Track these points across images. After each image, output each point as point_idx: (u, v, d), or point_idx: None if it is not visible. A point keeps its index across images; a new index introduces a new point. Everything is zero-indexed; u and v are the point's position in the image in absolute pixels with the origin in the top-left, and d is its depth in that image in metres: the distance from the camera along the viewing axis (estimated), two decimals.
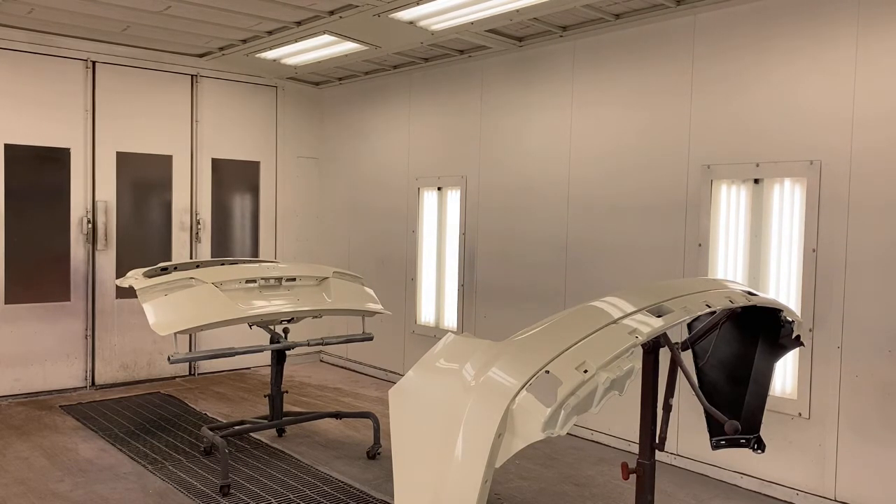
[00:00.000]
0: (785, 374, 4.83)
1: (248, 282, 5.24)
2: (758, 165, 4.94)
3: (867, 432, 4.46)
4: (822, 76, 4.66)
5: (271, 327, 5.53)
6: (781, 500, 4.81)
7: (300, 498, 4.70)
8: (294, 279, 5.46)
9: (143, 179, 7.78)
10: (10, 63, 6.86)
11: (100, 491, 4.76)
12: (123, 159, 7.49)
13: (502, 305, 6.72)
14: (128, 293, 6.47)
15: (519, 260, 6.57)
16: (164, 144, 7.77)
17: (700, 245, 5.25)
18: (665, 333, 2.84)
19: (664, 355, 3.05)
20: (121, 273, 6.79)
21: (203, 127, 8.01)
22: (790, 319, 3.28)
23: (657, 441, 3.08)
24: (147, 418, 6.39)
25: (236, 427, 5.57)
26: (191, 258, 7.83)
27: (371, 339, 5.80)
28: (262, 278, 5.31)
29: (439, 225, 7.46)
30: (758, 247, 5.00)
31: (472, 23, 5.76)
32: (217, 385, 7.68)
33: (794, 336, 3.29)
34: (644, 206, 5.61)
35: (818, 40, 4.68)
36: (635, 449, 3.36)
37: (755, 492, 4.94)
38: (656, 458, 3.14)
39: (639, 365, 2.97)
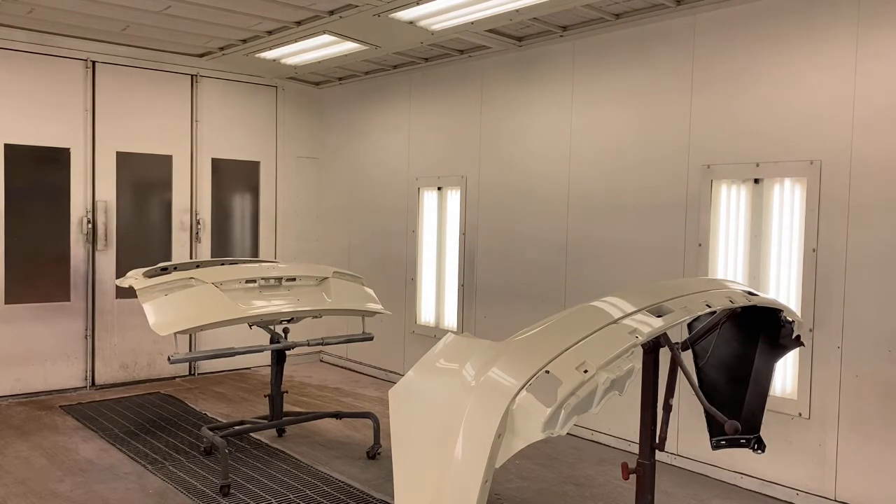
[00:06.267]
0: (785, 374, 4.83)
1: (248, 282, 5.24)
2: (758, 165, 4.93)
3: (867, 432, 4.46)
4: (822, 76, 4.65)
5: (271, 327, 5.52)
6: (781, 500, 4.81)
7: (300, 498, 4.70)
8: (294, 279, 5.46)
9: (143, 179, 7.78)
10: (10, 63, 6.86)
11: (100, 491, 4.76)
12: (123, 159, 7.49)
13: (502, 305, 6.72)
14: (128, 293, 6.46)
15: (519, 260, 6.57)
16: (164, 144, 7.77)
17: (700, 245, 5.24)
18: (665, 333, 2.84)
19: (664, 355, 3.05)
20: (121, 273, 6.79)
21: (203, 127, 8.01)
22: (790, 319, 3.28)
23: (657, 441, 3.08)
24: (147, 418, 6.39)
25: (236, 427, 5.57)
26: (191, 258, 7.83)
27: (371, 339, 5.80)
28: (262, 278, 5.31)
29: (439, 225, 7.46)
30: (758, 247, 4.99)
31: (472, 23, 5.76)
32: (217, 385, 7.68)
33: (794, 336, 3.29)
34: (644, 206, 5.61)
35: (818, 40, 4.67)
36: (635, 449, 3.36)
37: (755, 492, 4.94)
38: (656, 458, 3.14)
39: (639, 365, 2.97)
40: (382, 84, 8.04)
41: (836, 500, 4.59)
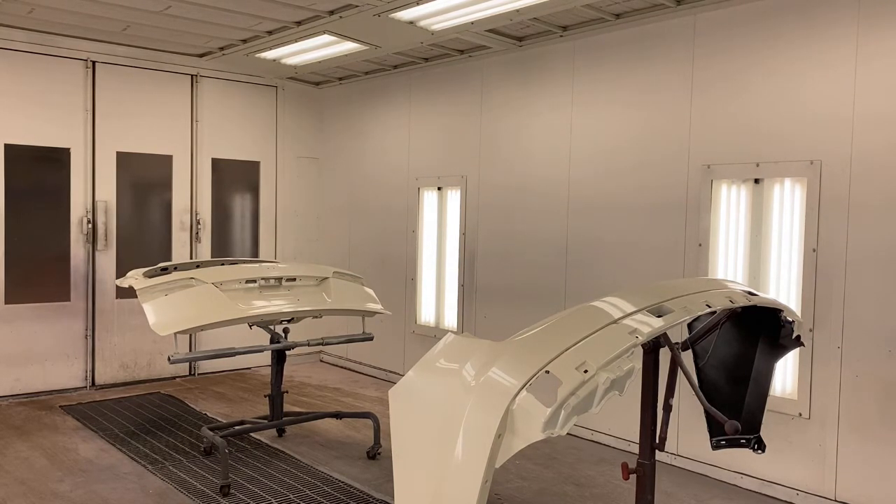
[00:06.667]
0: (785, 374, 4.83)
1: (248, 282, 5.24)
2: (758, 165, 4.93)
3: (867, 432, 4.46)
4: (823, 76, 4.65)
5: (271, 327, 5.52)
6: (781, 500, 4.81)
7: (300, 498, 4.70)
8: (294, 279, 5.46)
9: (143, 179, 7.78)
10: (10, 63, 6.86)
11: (100, 491, 4.76)
12: (123, 159, 7.49)
13: (502, 305, 6.72)
14: (128, 293, 6.47)
15: (519, 260, 6.57)
16: (164, 144, 7.77)
17: (700, 245, 5.24)
18: (665, 333, 2.84)
19: (664, 355, 3.05)
20: (121, 273, 6.79)
21: (203, 127, 8.01)
22: (790, 319, 3.29)
23: (657, 441, 3.08)
24: (147, 418, 6.39)
25: (236, 427, 5.57)
26: (191, 258, 7.83)
27: (371, 339, 5.80)
28: (262, 278, 5.31)
29: (439, 225, 7.46)
30: (758, 247, 4.99)
31: (472, 23, 5.76)
32: (217, 385, 7.68)
33: (794, 336, 3.30)
34: (644, 206, 5.61)
35: (818, 40, 4.68)
36: (635, 449, 3.36)
37: (755, 492, 4.94)
38: (656, 458, 3.14)
39: (639, 365, 2.97)
40: (382, 84, 8.04)
41: (836, 500, 4.59)
